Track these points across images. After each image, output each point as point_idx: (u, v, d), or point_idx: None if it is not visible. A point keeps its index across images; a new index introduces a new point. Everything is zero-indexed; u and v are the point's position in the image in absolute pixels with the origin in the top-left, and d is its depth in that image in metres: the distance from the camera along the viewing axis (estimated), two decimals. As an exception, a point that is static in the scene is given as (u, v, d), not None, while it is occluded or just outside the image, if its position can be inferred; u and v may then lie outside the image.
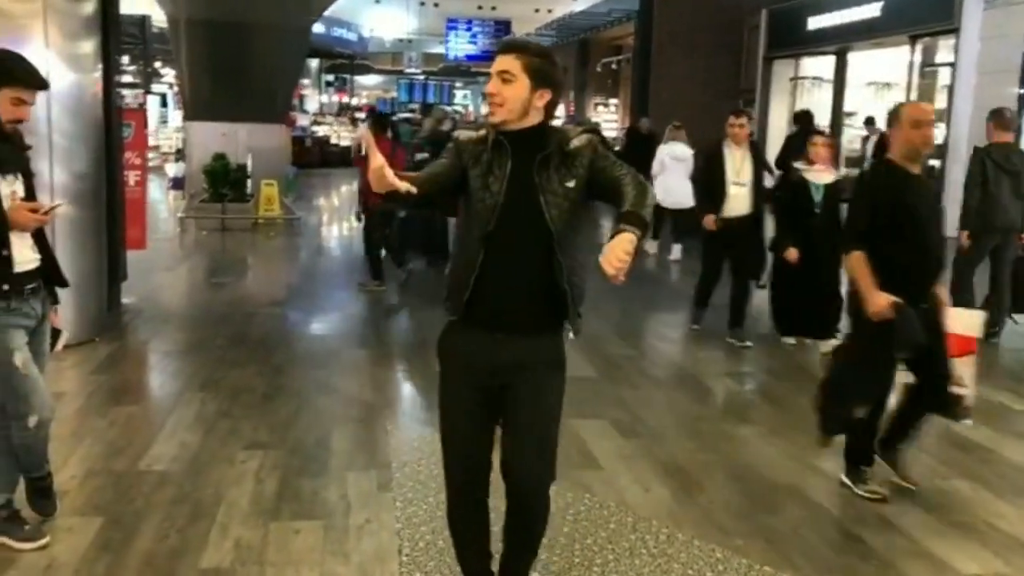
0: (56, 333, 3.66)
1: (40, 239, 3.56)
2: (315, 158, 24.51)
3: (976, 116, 11.89)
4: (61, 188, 6.02)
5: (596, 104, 33.35)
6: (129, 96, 26.68)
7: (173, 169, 18.16)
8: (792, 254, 6.59)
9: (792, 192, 6.74)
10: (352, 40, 33.49)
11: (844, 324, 5.55)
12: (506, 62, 2.67)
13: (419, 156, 9.73)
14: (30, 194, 3.54)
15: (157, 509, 3.92)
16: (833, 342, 6.47)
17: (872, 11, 15.70)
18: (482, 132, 2.79)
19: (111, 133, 7.11)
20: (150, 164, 21.57)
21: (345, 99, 40.01)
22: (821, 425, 4.33)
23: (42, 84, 3.41)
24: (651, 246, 11.98)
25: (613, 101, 33.14)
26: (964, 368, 4.29)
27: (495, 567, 3.05)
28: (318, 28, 24.64)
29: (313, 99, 36.65)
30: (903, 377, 4.28)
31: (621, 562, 3.58)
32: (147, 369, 6.41)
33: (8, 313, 3.37)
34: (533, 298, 2.74)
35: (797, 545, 3.78)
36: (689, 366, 6.53)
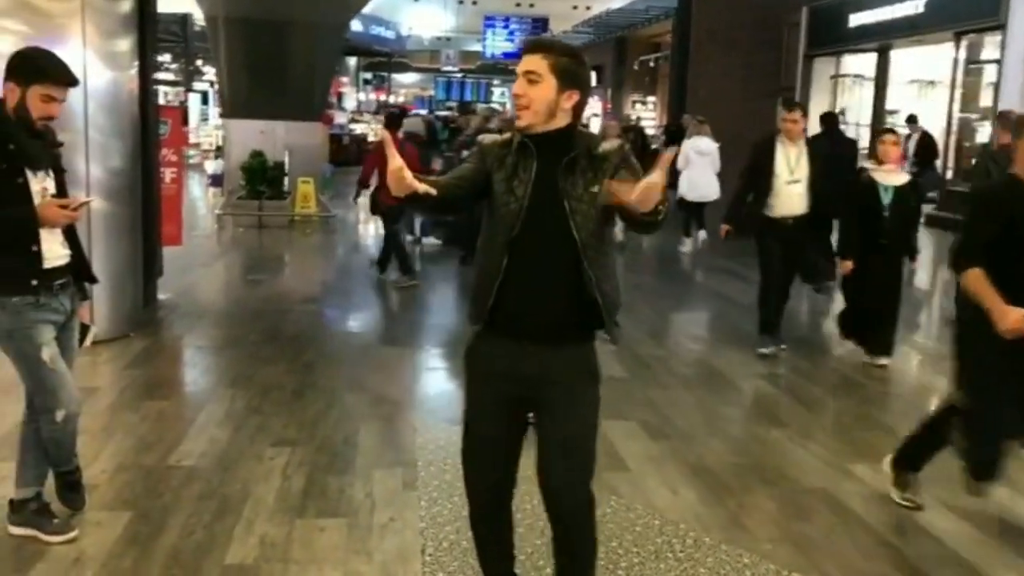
0: (85, 329, 3.70)
1: (71, 235, 3.59)
2: (352, 156, 24.60)
3: None
4: (97, 184, 6.10)
5: (634, 102, 33.18)
6: (171, 94, 27.09)
7: (212, 166, 18.35)
8: (847, 267, 6.26)
9: (859, 194, 6.28)
10: (390, 38, 33.60)
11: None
12: (532, 62, 2.58)
13: (465, 154, 9.75)
14: (61, 190, 3.57)
15: (185, 504, 3.95)
16: (885, 360, 6.32)
17: (915, 7, 15.43)
18: (507, 135, 2.71)
19: (147, 130, 7.19)
20: (191, 161, 22.00)
21: (383, 97, 40.19)
22: (972, 472, 3.80)
23: (72, 81, 3.43)
24: (686, 245, 11.94)
25: (651, 99, 32.97)
26: None
27: (519, 569, 3.02)
28: (356, 26, 24.77)
29: (351, 97, 36.86)
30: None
31: (647, 565, 3.54)
32: (180, 365, 6.47)
33: (37, 308, 3.41)
34: (560, 306, 2.64)
35: (827, 551, 3.71)
36: (720, 367, 6.45)
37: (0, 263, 3.37)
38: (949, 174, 14.80)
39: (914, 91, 17.75)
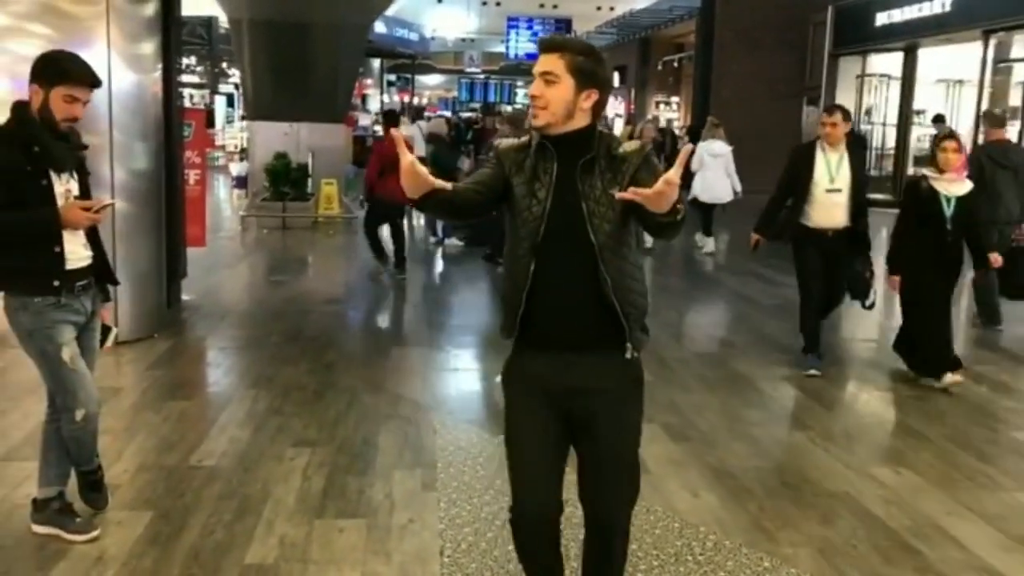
0: (106, 330, 3.73)
1: (93, 237, 3.62)
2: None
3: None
4: (121, 186, 6.16)
5: (657, 102, 33.08)
6: (196, 96, 27.31)
7: (236, 168, 18.47)
8: (894, 282, 5.92)
9: (918, 204, 5.85)
10: (414, 40, 33.68)
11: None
12: (549, 62, 2.51)
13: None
14: (85, 192, 3.61)
15: (205, 504, 3.97)
16: (951, 377, 5.85)
17: (942, 5, 15.27)
18: (524, 139, 2.65)
19: (171, 132, 7.24)
20: (216, 163, 22.14)
21: (407, 99, 40.31)
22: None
23: (94, 82, 3.45)
24: (708, 244, 11.94)
25: (675, 99, 32.85)
26: None
27: None
28: (380, 28, 24.87)
29: (375, 99, 37.00)
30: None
31: (666, 568, 3.52)
32: (202, 365, 6.51)
33: (58, 309, 3.44)
34: (591, 313, 2.54)
35: (849, 556, 3.67)
36: (743, 370, 6.40)
37: (23, 264, 3.41)
38: (977, 174, 14.63)
39: (942, 91, 17.56)
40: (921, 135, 17.45)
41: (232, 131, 26.13)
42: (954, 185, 5.78)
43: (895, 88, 18.00)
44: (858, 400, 5.77)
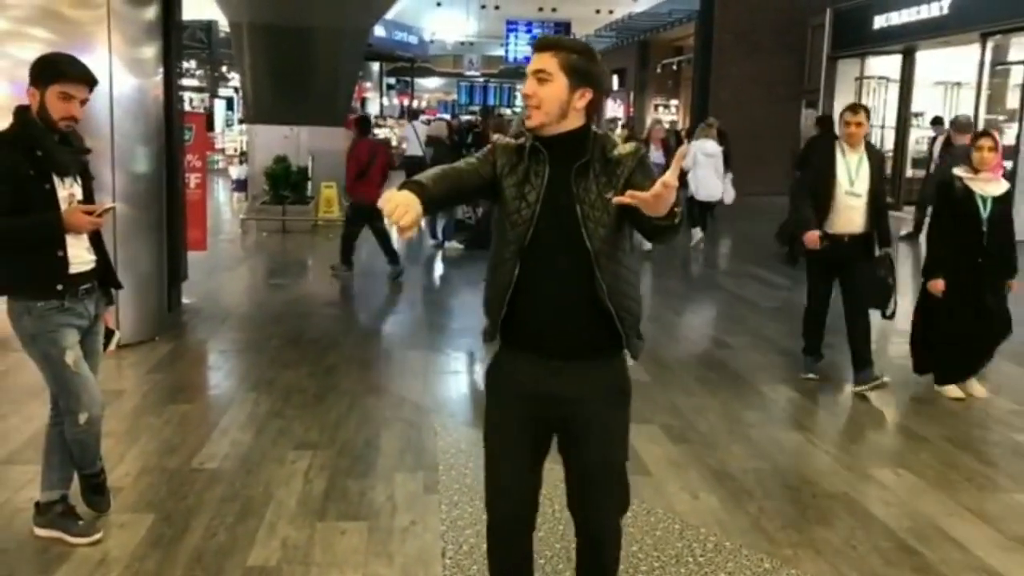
0: (110, 333, 3.75)
1: (96, 240, 3.63)
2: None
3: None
4: (122, 190, 6.17)
5: (656, 105, 33.08)
6: (196, 100, 27.33)
7: (236, 171, 18.50)
8: (938, 285, 5.64)
9: (953, 205, 5.65)
10: (413, 43, 33.71)
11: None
12: (542, 60, 2.44)
13: None
14: (88, 196, 3.62)
15: (207, 507, 3.98)
16: (978, 387, 5.82)
17: (940, 8, 15.30)
18: (520, 140, 2.57)
19: (172, 136, 7.26)
20: (216, 167, 22.15)
21: (407, 102, 40.34)
22: None
23: (89, 79, 3.44)
24: (696, 234, 12.13)
25: (674, 102, 32.85)
26: None
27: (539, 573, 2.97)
28: (380, 31, 24.88)
29: (375, 102, 37.02)
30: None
31: (667, 569, 3.53)
32: (203, 368, 6.52)
33: (62, 312, 3.45)
34: (578, 318, 2.49)
35: (848, 556, 3.68)
36: (743, 371, 6.42)
37: (26, 268, 3.42)
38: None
39: (940, 93, 17.60)
40: (920, 137, 17.48)
41: (232, 135, 26.16)
42: (990, 185, 5.60)
43: (893, 90, 18.04)
44: (857, 402, 5.78)
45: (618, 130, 23.02)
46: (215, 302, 8.38)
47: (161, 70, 6.84)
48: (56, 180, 3.44)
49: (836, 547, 3.76)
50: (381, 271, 9.79)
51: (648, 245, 11.25)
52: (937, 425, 5.34)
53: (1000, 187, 5.65)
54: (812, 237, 5.74)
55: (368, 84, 34.73)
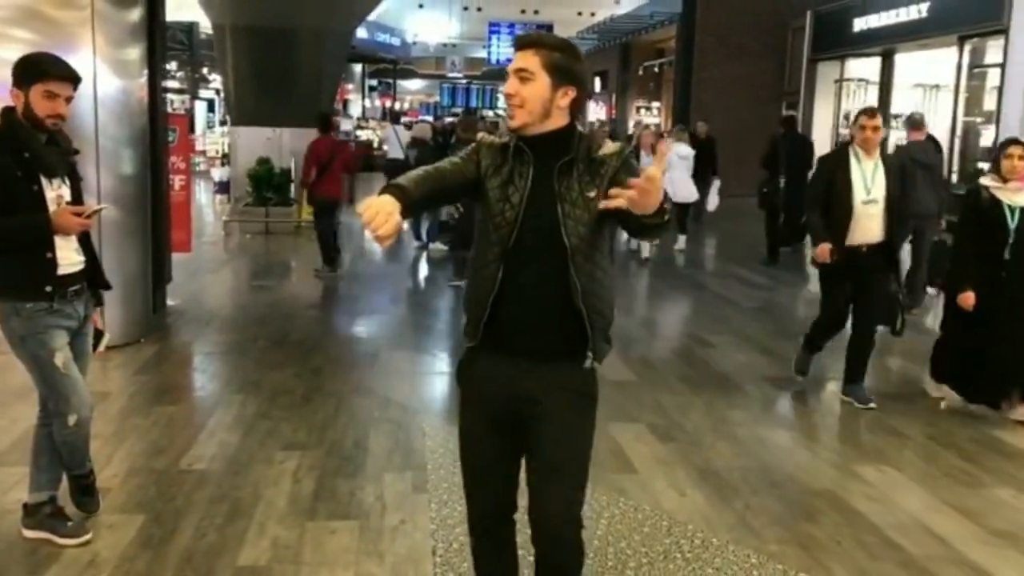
0: (99, 335, 3.74)
1: (85, 242, 3.63)
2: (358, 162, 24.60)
3: (1027, 117, 11.70)
4: (107, 191, 6.15)
5: (638, 107, 33.19)
6: (177, 101, 27.19)
7: (219, 173, 18.42)
8: (968, 299, 5.33)
9: (979, 214, 5.41)
10: (396, 45, 33.69)
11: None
12: (523, 59, 2.41)
13: None
14: (77, 198, 3.62)
15: (197, 507, 3.98)
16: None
17: (919, 12, 15.45)
18: (504, 139, 2.54)
19: (157, 138, 7.24)
20: (198, 169, 22.05)
21: (389, 103, 40.28)
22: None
23: (72, 76, 3.42)
24: (680, 242, 12.19)
25: (655, 104, 32.95)
26: None
27: None
28: (362, 33, 24.83)
29: (357, 104, 36.95)
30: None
31: (655, 566, 3.56)
32: (189, 370, 6.51)
33: (51, 314, 3.45)
34: (556, 320, 2.46)
35: (834, 552, 3.73)
36: (727, 370, 6.47)
37: (15, 269, 3.42)
38: (954, 178, 14.80)
39: (918, 95, 17.75)
40: (900, 138, 17.61)
41: (213, 136, 26.03)
42: (1019, 195, 5.34)
43: (873, 92, 18.16)
44: (841, 400, 5.84)
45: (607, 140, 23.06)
46: (200, 304, 8.36)
47: (146, 71, 6.82)
48: (44, 181, 3.44)
49: (821, 542, 3.81)
50: (365, 272, 9.80)
51: (646, 252, 11.37)
52: (920, 423, 5.40)
53: None
54: (824, 251, 5.48)
55: (350, 86, 34.65)
